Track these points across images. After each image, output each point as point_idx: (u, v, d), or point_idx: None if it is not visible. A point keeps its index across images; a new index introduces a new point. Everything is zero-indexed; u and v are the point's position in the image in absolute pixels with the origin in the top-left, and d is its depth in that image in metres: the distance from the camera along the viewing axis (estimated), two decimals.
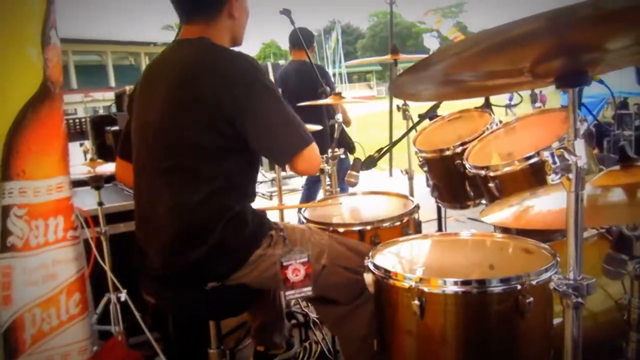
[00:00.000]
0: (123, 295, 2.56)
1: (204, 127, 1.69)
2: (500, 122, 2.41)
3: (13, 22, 1.68)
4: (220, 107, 1.67)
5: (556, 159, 0.98)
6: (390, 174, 8.22)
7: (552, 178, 0.98)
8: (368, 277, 1.65)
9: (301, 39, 3.90)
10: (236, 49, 1.88)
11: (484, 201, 2.34)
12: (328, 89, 3.22)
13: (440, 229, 3.08)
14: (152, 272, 1.84)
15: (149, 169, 1.82)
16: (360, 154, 3.18)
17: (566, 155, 0.98)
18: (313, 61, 4.74)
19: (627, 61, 1.18)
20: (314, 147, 1.80)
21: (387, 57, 2.68)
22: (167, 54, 1.88)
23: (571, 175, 0.98)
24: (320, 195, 4.00)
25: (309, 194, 4.97)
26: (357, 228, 2.11)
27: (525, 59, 0.99)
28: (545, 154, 0.98)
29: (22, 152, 1.73)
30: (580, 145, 0.98)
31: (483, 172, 2.02)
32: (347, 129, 3.67)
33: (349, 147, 3.06)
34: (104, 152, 3.75)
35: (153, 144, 1.79)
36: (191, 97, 1.70)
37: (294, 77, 4.58)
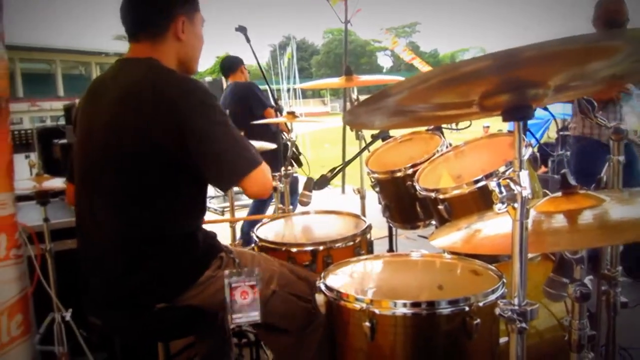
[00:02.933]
0: (68, 315, 2.49)
1: (149, 147, 1.66)
2: (450, 144, 2.47)
3: None
4: (165, 128, 1.64)
5: (502, 188, 1.02)
6: (343, 191, 8.27)
7: (498, 207, 1.02)
8: (319, 298, 1.66)
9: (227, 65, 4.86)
10: None
11: (434, 222, 2.39)
12: (282, 107, 3.24)
13: (391, 247, 3.12)
14: (97, 294, 1.80)
15: (93, 190, 1.78)
16: (306, 167, 3.22)
17: (512, 185, 1.02)
18: (248, 79, 5.15)
19: (569, 95, 1.25)
20: (263, 168, 1.76)
21: (341, 80, 2.71)
22: (113, 72, 1.84)
23: (516, 205, 1.02)
24: (271, 212, 4.01)
25: (257, 211, 4.96)
26: (309, 248, 2.12)
27: (474, 93, 1.04)
28: (492, 184, 1.02)
29: None
30: (525, 176, 1.02)
31: (433, 195, 2.07)
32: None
33: (297, 161, 3.08)
34: (51, 166, 3.65)
35: (98, 165, 1.75)
36: (135, 118, 1.67)
37: (229, 99, 4.89)
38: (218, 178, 1.76)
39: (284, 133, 3.09)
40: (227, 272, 1.73)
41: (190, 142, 1.65)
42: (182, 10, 1.81)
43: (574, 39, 0.76)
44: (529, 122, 1.14)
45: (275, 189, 2.99)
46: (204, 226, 1.89)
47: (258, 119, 3.99)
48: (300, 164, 3.20)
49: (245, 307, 1.64)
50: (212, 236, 1.88)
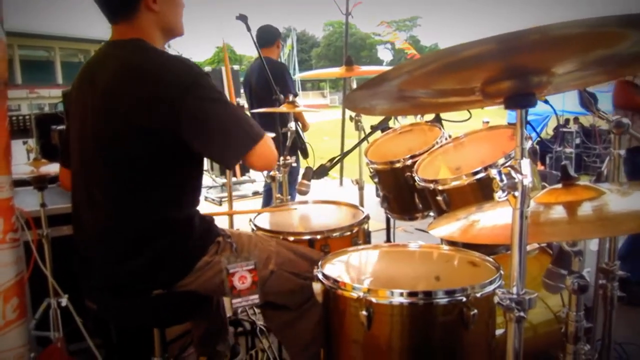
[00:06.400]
0: (64, 300, 2.49)
1: (141, 134, 1.64)
2: (450, 136, 2.47)
3: None
4: (157, 112, 1.61)
5: (503, 176, 1.01)
6: (341, 183, 8.28)
7: (498, 195, 1.01)
8: (317, 287, 1.66)
9: (254, 41, 3.89)
10: (187, 53, 1.84)
11: (432, 213, 2.38)
12: (282, 96, 3.21)
13: (388, 239, 3.11)
14: (94, 279, 1.79)
15: (88, 176, 1.77)
16: (312, 157, 3.19)
17: (513, 173, 1.01)
18: (279, 58, 4.78)
19: (572, 85, 1.24)
20: (266, 141, 1.73)
21: (342, 70, 2.70)
22: (100, 56, 1.81)
23: (517, 193, 1.01)
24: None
25: (268, 200, 4.91)
26: (307, 237, 2.11)
27: (476, 79, 1.03)
28: (493, 172, 1.01)
29: None
30: (526, 164, 1.02)
31: (432, 186, 2.06)
32: (302, 134, 3.66)
33: (303, 151, 3.06)
34: (49, 151, 3.63)
35: (91, 152, 1.73)
36: (125, 105, 1.64)
37: (256, 73, 4.60)
38: (221, 155, 1.73)
39: (299, 122, 3.02)
40: (224, 258, 1.72)
41: (187, 123, 1.62)
42: None
43: (579, 22, 0.75)
44: (528, 117, 1.14)
45: (273, 178, 2.99)
46: None
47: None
48: (306, 155, 3.18)
49: (244, 291, 1.64)
50: (208, 220, 1.87)
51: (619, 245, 1.93)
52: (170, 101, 1.61)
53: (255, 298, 1.64)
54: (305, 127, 4.56)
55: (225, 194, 5.75)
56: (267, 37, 4.60)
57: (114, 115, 1.66)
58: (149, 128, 1.63)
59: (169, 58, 1.71)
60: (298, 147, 3.02)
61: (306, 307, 1.92)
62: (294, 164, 3.06)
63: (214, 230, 1.86)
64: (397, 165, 2.42)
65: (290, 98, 3.00)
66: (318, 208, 2.63)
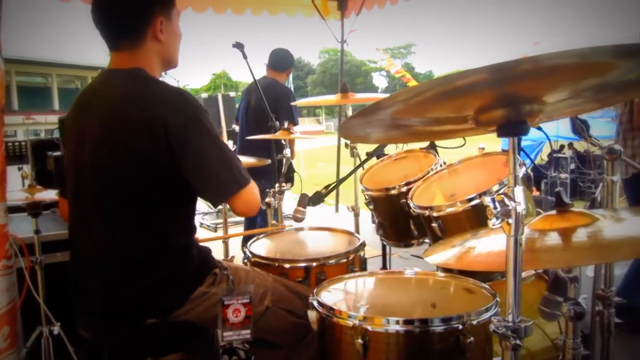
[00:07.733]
0: (56, 329, 2.46)
1: (139, 161, 1.64)
2: (444, 163, 2.48)
3: None
4: (154, 143, 1.62)
5: (497, 204, 1.01)
6: (337, 210, 8.25)
7: (492, 222, 1.02)
8: (312, 315, 1.64)
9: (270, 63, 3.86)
10: (180, 79, 1.84)
11: (427, 240, 2.38)
12: (277, 123, 3.23)
13: (384, 266, 3.10)
14: (89, 307, 1.77)
15: (85, 204, 1.76)
16: (299, 185, 3.18)
17: (506, 201, 1.02)
18: (286, 83, 4.77)
19: (564, 113, 1.26)
20: (251, 188, 1.73)
21: (337, 97, 2.72)
22: (98, 85, 1.81)
23: (511, 220, 1.02)
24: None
25: (249, 227, 4.88)
26: (302, 264, 2.10)
27: (469, 107, 1.04)
28: (487, 199, 1.02)
29: None
30: (519, 192, 1.02)
31: (427, 212, 2.06)
32: (292, 161, 3.65)
33: (289, 179, 3.05)
34: (44, 178, 3.62)
35: (89, 180, 1.72)
36: (125, 132, 1.65)
37: (256, 93, 4.26)
38: (207, 195, 1.73)
39: (287, 149, 3.02)
40: (220, 289, 1.71)
41: (181, 157, 1.64)
42: (159, 10, 1.76)
43: (569, 53, 0.76)
44: (523, 143, 1.14)
45: (268, 204, 2.98)
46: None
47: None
48: (291, 183, 3.17)
49: (237, 324, 1.62)
50: (206, 252, 1.86)
51: (614, 272, 1.92)
52: (168, 136, 1.62)
53: (247, 333, 1.62)
54: (292, 155, 4.56)
55: (221, 220, 5.72)
56: (283, 63, 4.60)
57: (112, 142, 1.67)
58: (147, 155, 1.63)
59: (170, 89, 1.72)
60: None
61: (298, 348, 1.89)
62: (288, 190, 3.06)
63: (211, 261, 1.85)
64: (393, 192, 2.42)
65: (286, 125, 3.01)
66: (314, 235, 2.63)
